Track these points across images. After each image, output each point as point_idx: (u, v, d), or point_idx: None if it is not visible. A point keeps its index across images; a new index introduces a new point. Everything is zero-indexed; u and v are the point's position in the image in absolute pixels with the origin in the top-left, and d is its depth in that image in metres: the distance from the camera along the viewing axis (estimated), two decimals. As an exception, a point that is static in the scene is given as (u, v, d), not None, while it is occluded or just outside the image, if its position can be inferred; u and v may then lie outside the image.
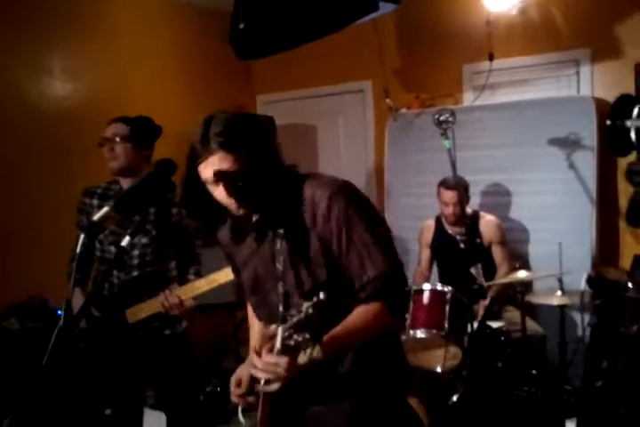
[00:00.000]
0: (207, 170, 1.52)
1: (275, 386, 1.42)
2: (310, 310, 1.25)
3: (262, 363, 1.38)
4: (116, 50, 4.30)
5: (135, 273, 2.54)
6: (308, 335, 1.25)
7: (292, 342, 1.29)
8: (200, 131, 1.54)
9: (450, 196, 3.77)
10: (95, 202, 2.59)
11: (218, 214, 1.65)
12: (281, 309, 1.63)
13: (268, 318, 1.72)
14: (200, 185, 1.57)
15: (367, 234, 1.57)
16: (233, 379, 1.70)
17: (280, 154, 1.64)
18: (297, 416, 1.70)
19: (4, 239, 3.44)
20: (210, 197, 1.59)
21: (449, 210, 3.80)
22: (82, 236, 1.45)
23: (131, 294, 2.51)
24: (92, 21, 4.15)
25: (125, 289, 2.53)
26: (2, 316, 3.22)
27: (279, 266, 1.63)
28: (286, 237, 1.61)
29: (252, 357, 1.69)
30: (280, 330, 1.31)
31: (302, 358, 1.30)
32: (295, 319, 1.27)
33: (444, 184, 3.81)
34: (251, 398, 1.65)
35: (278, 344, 1.32)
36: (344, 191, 1.60)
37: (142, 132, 2.59)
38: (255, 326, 1.89)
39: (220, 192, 1.55)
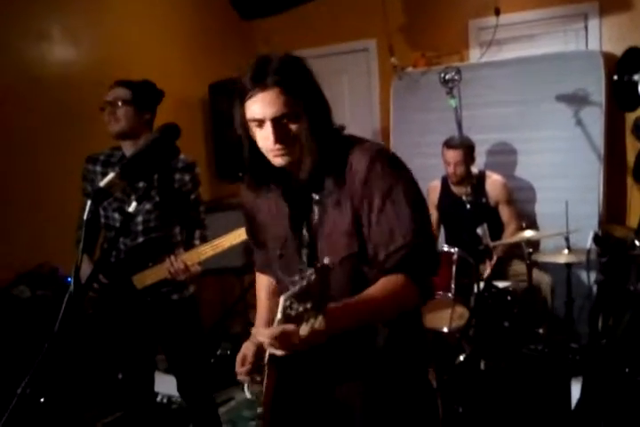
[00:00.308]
0: (257, 106, 1.43)
1: (279, 352, 1.30)
2: (312, 277, 1.14)
3: (266, 334, 1.26)
4: (115, 13, 4.21)
5: (140, 239, 2.55)
6: (309, 305, 1.15)
7: (292, 312, 1.17)
8: (254, 66, 1.45)
9: (452, 155, 3.74)
10: (98, 169, 2.59)
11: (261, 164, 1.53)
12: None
13: (285, 288, 1.61)
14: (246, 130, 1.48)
15: (403, 203, 1.46)
16: (238, 357, 1.68)
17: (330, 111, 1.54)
18: (305, 393, 1.67)
19: (10, 207, 3.44)
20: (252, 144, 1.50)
21: (451, 169, 3.79)
22: (88, 202, 1.44)
23: (137, 260, 2.53)
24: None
25: (131, 255, 2.55)
26: (12, 284, 3.24)
27: (305, 233, 1.57)
28: (321, 203, 1.53)
29: (256, 332, 1.67)
30: (282, 299, 1.20)
31: (303, 330, 1.17)
32: (297, 287, 1.16)
33: (447, 143, 3.79)
34: (257, 377, 1.63)
35: (279, 314, 1.21)
36: (383, 157, 1.51)
37: (144, 96, 2.56)
38: (262, 300, 1.85)
39: (264, 134, 1.45)
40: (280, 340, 1.23)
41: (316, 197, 1.55)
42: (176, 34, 4.76)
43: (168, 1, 4.71)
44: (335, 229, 1.53)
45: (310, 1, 3.92)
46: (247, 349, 1.68)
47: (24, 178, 3.52)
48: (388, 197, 1.46)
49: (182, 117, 4.48)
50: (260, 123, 1.45)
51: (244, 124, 1.50)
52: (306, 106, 1.46)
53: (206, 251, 2.45)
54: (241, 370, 1.66)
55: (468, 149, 3.64)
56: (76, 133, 3.71)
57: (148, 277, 2.50)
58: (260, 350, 1.64)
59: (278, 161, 1.49)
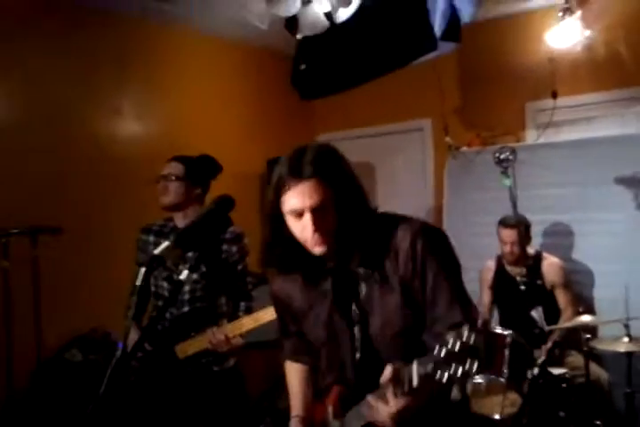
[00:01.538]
0: (295, 198, 1.46)
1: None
2: (473, 337, 1.14)
3: (390, 408, 1.28)
4: (181, 90, 4.47)
5: (186, 308, 2.59)
6: (475, 364, 1.13)
7: (444, 375, 1.15)
8: (290, 159, 1.49)
9: (508, 234, 3.69)
10: (151, 238, 2.68)
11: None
12: (357, 355, 1.58)
13: (335, 368, 1.66)
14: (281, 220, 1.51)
15: (454, 277, 1.52)
16: None
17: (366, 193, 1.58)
18: None
19: (67, 272, 3.55)
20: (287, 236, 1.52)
21: (507, 249, 3.73)
22: (142, 269, 1.48)
23: (181, 330, 2.55)
24: (158, 62, 4.34)
25: (176, 324, 2.57)
26: (65, 347, 3.30)
27: (355, 309, 1.57)
28: (367, 280, 1.55)
29: (295, 423, 1.71)
30: (415, 366, 1.22)
31: (456, 394, 1.24)
32: (444, 351, 1.15)
33: (502, 222, 3.75)
34: None
35: (415, 380, 1.22)
36: (429, 231, 1.55)
37: (197, 171, 2.69)
38: (296, 386, 1.83)
39: (302, 225, 1.47)
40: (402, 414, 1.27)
41: (362, 271, 1.56)
42: (237, 111, 4.98)
43: (231, 80, 4.97)
44: (386, 305, 1.53)
45: (368, 82, 4.06)
46: None
47: (85, 245, 3.65)
48: (442, 275, 1.49)
49: (239, 191, 4.60)
50: (299, 214, 1.48)
51: (278, 215, 1.52)
52: (341, 194, 1.48)
53: (248, 323, 2.45)
54: None
55: (524, 228, 3.60)
56: (134, 205, 3.87)
57: (191, 346, 2.51)
58: None
59: (318, 250, 1.51)
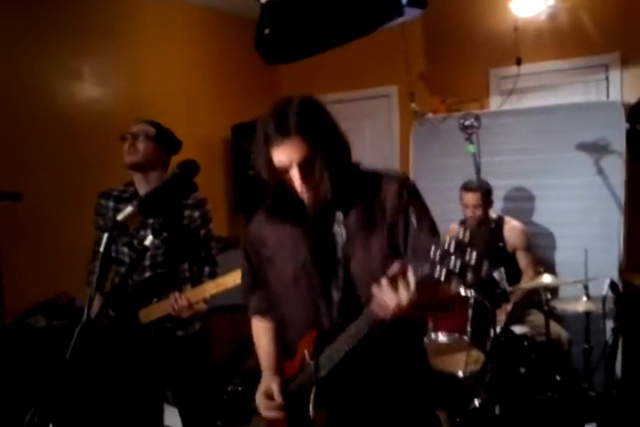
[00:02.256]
0: (283, 154, 1.53)
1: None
2: (468, 234, 1.21)
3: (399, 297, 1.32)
4: (143, 55, 4.38)
5: (147, 274, 2.56)
6: (474, 253, 1.19)
7: (442, 271, 1.22)
8: (275, 113, 1.56)
9: (470, 198, 3.75)
10: (111, 204, 2.64)
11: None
12: (336, 295, 1.63)
13: (305, 312, 1.69)
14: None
15: (432, 222, 1.64)
16: (260, 394, 1.73)
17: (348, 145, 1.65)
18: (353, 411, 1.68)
19: (30, 238, 3.51)
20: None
21: (469, 212, 3.79)
22: (105, 235, 1.47)
23: (144, 295, 2.53)
24: (119, 27, 4.23)
25: (138, 290, 2.55)
26: (28, 313, 3.28)
27: (340, 251, 1.62)
28: (347, 226, 1.62)
29: (269, 375, 1.75)
30: (410, 267, 1.30)
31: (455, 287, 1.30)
32: (439, 251, 1.22)
33: (465, 187, 3.81)
34: (282, 413, 1.69)
35: (412, 281, 1.29)
36: (409, 182, 1.68)
37: (167, 139, 2.64)
38: (264, 346, 1.86)
39: (291, 177, 1.56)
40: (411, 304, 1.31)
41: (341, 217, 1.63)
42: (202, 77, 4.91)
43: (195, 45, 4.88)
44: (369, 248, 1.61)
45: (334, 47, 4.02)
46: (268, 388, 1.73)
47: (44, 210, 3.60)
48: (421, 217, 1.61)
49: (204, 156, 4.59)
50: (288, 168, 1.56)
51: (270, 165, 1.57)
52: (325, 146, 1.55)
53: (210, 288, 2.44)
54: (271, 405, 1.70)
55: (485, 192, 3.66)
56: (96, 170, 3.81)
57: (153, 312, 2.50)
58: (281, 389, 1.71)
59: (307, 198, 1.60)
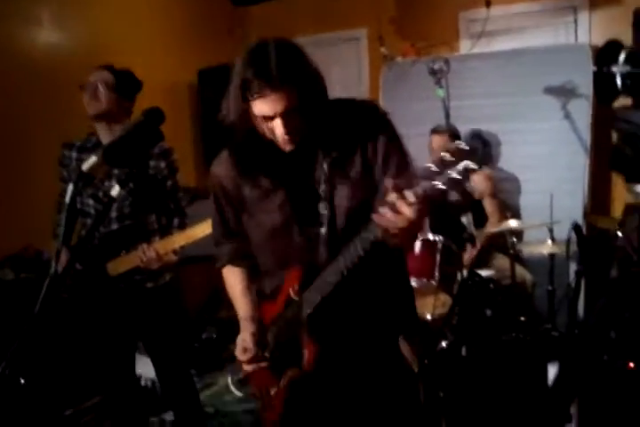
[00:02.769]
0: (265, 106, 1.49)
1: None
2: (464, 144, 1.24)
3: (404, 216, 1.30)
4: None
5: (114, 226, 2.53)
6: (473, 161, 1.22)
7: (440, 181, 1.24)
8: (255, 60, 1.49)
9: (437, 140, 3.75)
10: (74, 154, 2.58)
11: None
12: (323, 231, 1.63)
13: (285, 255, 1.70)
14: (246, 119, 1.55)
15: (405, 151, 1.65)
16: (238, 347, 1.75)
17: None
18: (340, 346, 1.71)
19: (-4, 191, 3.44)
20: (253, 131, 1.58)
21: (436, 155, 3.79)
22: (70, 186, 1.44)
23: (111, 247, 2.50)
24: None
25: (106, 242, 2.51)
26: (-4, 266, 3.25)
27: (323, 187, 1.62)
28: (330, 160, 1.61)
29: (245, 325, 1.77)
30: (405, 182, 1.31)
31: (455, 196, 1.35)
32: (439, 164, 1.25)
33: (433, 130, 3.81)
34: (262, 364, 1.73)
35: (412, 197, 1.28)
36: (383, 115, 1.68)
37: (126, 83, 2.55)
38: (239, 295, 1.86)
39: (273, 126, 1.52)
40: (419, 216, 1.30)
41: (321, 156, 1.62)
42: (166, 19, 4.75)
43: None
44: (349, 181, 1.62)
45: (301, -12, 3.92)
46: (244, 341, 1.75)
47: (8, 160, 3.51)
48: (403, 154, 1.63)
49: (170, 103, 4.50)
50: (270, 118, 1.52)
51: (244, 113, 1.54)
52: (308, 95, 1.52)
53: (180, 240, 2.42)
54: (244, 357, 1.73)
55: (453, 136, 3.65)
56: (60, 118, 3.70)
57: (122, 264, 2.48)
58: (257, 338, 1.74)
59: (289, 147, 1.58)
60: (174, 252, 2.49)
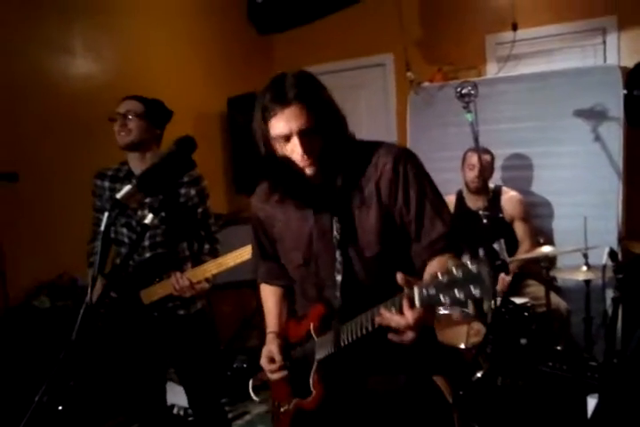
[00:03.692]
0: (282, 122, 1.51)
1: (410, 335, 1.37)
2: (475, 265, 1.20)
3: (410, 318, 1.32)
4: (136, 28, 4.29)
5: (147, 255, 2.55)
6: (478, 289, 1.19)
7: (447, 298, 1.23)
8: (272, 85, 1.54)
9: (476, 159, 3.72)
10: (107, 184, 2.62)
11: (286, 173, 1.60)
12: (339, 278, 1.62)
13: (314, 291, 1.72)
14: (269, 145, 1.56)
15: (434, 195, 1.61)
16: (264, 357, 1.77)
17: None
18: (352, 387, 1.70)
19: (30, 219, 3.48)
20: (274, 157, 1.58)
21: (475, 173, 3.74)
22: (105, 215, 1.45)
23: (145, 276, 2.52)
24: (110, 0, 4.13)
25: (139, 270, 2.54)
26: (33, 294, 3.28)
27: (337, 233, 1.62)
28: (349, 204, 1.61)
29: (271, 338, 1.79)
30: (416, 289, 1.30)
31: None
32: (446, 277, 1.23)
33: (471, 149, 3.76)
34: (285, 372, 1.74)
35: (417, 301, 1.29)
36: (408, 155, 1.63)
37: (156, 112, 2.59)
38: (271, 307, 1.89)
39: (291, 147, 1.53)
40: (418, 323, 1.32)
41: (338, 193, 1.62)
42: (195, 49, 4.82)
43: (188, 16, 4.79)
44: (365, 226, 1.61)
45: (327, 15, 3.95)
46: (269, 351, 1.77)
47: (42, 189, 3.56)
48: (424, 194, 1.59)
49: (200, 131, 4.55)
50: (287, 138, 1.53)
51: (267, 140, 1.57)
52: (323, 117, 1.54)
53: (211, 268, 2.43)
54: (271, 367, 1.75)
55: (490, 157, 3.66)
56: (93, 147, 3.76)
57: (155, 292, 2.50)
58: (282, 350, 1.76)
59: (309, 171, 1.57)
60: (207, 280, 2.50)
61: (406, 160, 1.61)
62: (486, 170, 3.72)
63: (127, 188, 1.50)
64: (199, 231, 2.65)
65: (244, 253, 2.32)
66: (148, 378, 2.68)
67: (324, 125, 1.53)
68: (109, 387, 3.13)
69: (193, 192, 2.59)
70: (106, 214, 1.46)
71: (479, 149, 3.39)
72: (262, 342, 1.86)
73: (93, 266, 2.60)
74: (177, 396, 2.98)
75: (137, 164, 2.57)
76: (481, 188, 3.75)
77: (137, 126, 2.51)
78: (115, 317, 2.53)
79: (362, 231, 1.61)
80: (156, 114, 2.59)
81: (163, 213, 2.47)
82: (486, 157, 3.73)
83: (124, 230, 2.57)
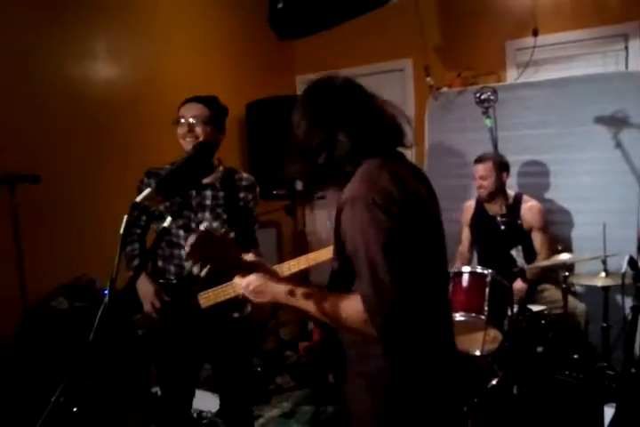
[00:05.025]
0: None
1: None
2: None
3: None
4: (157, 33, 4.32)
5: None
6: None
7: None
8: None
9: (479, 169, 3.74)
10: (152, 182, 2.61)
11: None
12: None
13: None
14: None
15: (380, 255, 1.39)
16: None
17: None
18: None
19: (51, 221, 3.52)
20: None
21: (478, 182, 3.77)
22: (125, 217, 1.47)
23: (204, 280, 2.50)
24: (132, 4, 4.17)
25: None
26: (51, 295, 3.31)
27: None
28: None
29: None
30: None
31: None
32: None
33: (476, 159, 3.79)
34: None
35: None
36: (370, 201, 1.43)
37: (221, 116, 2.57)
38: None
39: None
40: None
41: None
42: (216, 53, 4.86)
43: (209, 21, 4.82)
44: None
45: (346, 21, 3.96)
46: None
47: (63, 192, 3.60)
48: (368, 247, 1.41)
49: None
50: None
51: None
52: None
53: (299, 264, 2.26)
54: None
55: (496, 163, 3.60)
56: (115, 150, 3.80)
57: (216, 295, 2.43)
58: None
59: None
60: None
61: (367, 207, 1.42)
62: (487, 178, 3.72)
63: (146, 191, 1.51)
64: (247, 235, 2.65)
65: (327, 253, 2.22)
66: (182, 379, 2.66)
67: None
68: (126, 387, 3.15)
69: (250, 196, 2.62)
70: (125, 217, 1.48)
71: (487, 155, 3.39)
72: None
73: (134, 265, 2.59)
74: (204, 402, 2.98)
75: None
76: (489, 195, 3.76)
77: (203, 132, 2.48)
78: (169, 320, 2.51)
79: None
80: (220, 118, 2.58)
81: (224, 216, 2.54)
82: (487, 165, 3.70)
83: (181, 233, 2.55)
